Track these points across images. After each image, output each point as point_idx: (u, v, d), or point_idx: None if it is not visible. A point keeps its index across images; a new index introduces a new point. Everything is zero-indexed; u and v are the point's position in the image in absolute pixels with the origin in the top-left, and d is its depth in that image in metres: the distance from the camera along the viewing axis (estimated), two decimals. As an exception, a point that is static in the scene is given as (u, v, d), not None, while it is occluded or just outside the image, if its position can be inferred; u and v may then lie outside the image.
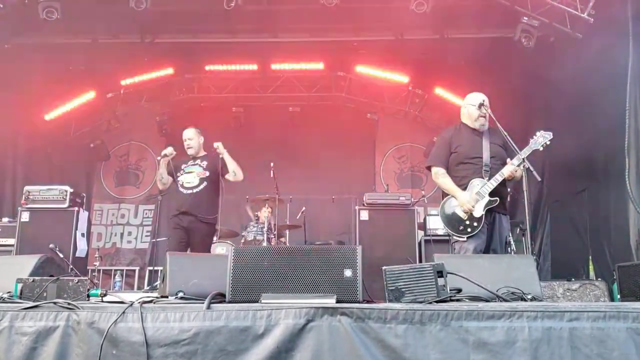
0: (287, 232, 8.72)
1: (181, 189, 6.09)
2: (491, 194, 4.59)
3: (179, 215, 6.01)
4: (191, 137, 6.28)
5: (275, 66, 10.50)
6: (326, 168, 10.97)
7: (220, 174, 6.14)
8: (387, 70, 10.47)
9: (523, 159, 4.52)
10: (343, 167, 11.11)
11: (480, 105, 4.83)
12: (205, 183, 6.08)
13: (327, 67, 10.55)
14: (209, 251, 6.17)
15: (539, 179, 4.58)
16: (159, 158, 6.18)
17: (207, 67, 10.66)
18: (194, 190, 6.04)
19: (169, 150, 6.18)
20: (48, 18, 7.48)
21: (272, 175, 7.50)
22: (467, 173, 4.75)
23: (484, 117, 4.84)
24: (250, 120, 11.33)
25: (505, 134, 4.68)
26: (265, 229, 7.64)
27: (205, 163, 6.20)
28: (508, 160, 4.63)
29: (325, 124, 11.02)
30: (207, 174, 6.11)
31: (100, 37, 9.40)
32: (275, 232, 7.80)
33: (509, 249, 4.77)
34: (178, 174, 6.14)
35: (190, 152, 6.24)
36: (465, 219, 4.61)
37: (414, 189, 10.71)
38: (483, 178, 4.66)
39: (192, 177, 6.08)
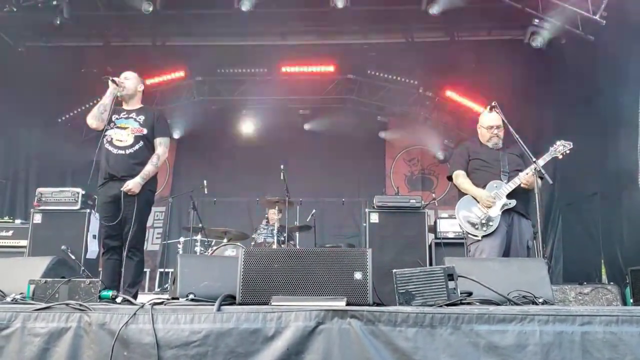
0: (297, 234, 8.73)
1: (109, 147, 4.88)
2: (509, 197, 4.64)
3: (107, 182, 4.85)
4: (129, 77, 5.10)
5: (285, 69, 10.53)
6: (336, 170, 10.99)
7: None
8: (397, 72, 10.47)
9: (535, 161, 4.54)
10: (353, 170, 11.13)
11: (490, 127, 4.91)
12: (141, 142, 4.90)
13: (337, 69, 10.57)
14: (145, 224, 5.00)
15: (551, 181, 4.58)
16: (110, 85, 4.90)
17: (218, 70, 10.72)
18: (127, 151, 4.85)
19: (121, 79, 5.01)
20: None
21: (282, 177, 7.50)
22: (485, 177, 4.81)
23: (497, 136, 4.91)
24: (260, 122, 11.37)
25: (522, 143, 4.68)
26: (275, 231, 7.65)
27: (142, 118, 4.98)
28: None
29: (336, 127, 11.02)
30: (145, 131, 4.92)
31: (111, 40, 9.49)
32: (286, 235, 7.80)
33: (529, 252, 4.75)
34: (107, 126, 4.93)
35: (122, 93, 5.02)
36: (482, 217, 4.64)
37: (425, 191, 10.69)
38: (501, 181, 4.73)
39: (125, 134, 4.88)
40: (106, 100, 4.93)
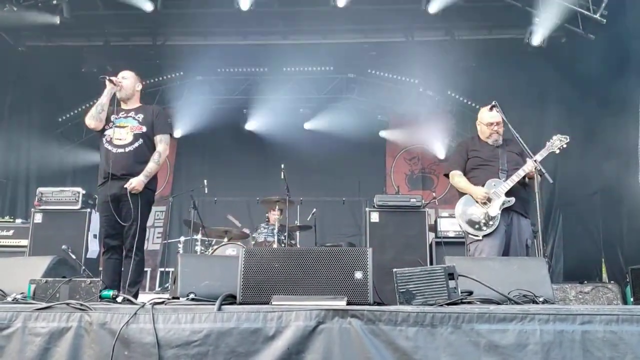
0: (298, 233, 8.72)
1: (108, 146, 4.84)
2: (508, 195, 4.61)
3: (106, 182, 4.78)
4: (126, 77, 5.05)
5: (286, 68, 10.53)
6: (336, 170, 10.98)
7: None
8: (397, 71, 10.47)
9: (535, 160, 4.53)
10: (353, 169, 11.11)
11: (490, 124, 4.89)
12: (140, 140, 4.86)
13: (337, 68, 10.57)
14: (145, 224, 4.94)
15: (551, 180, 4.57)
16: (108, 84, 4.88)
17: (218, 69, 10.73)
18: (126, 149, 4.82)
19: (119, 79, 4.99)
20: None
21: (282, 176, 7.50)
22: (484, 175, 4.79)
23: (497, 132, 4.89)
24: (261, 121, 11.36)
25: (522, 141, 4.67)
26: (275, 231, 7.65)
27: (141, 116, 4.95)
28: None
29: (336, 126, 11.03)
30: (144, 129, 4.90)
31: (112, 39, 9.49)
32: (286, 234, 7.80)
33: (529, 251, 4.74)
34: (106, 127, 4.93)
35: (120, 93, 4.98)
36: (481, 217, 4.63)
37: (425, 190, 10.68)
38: (500, 179, 4.70)
39: (124, 133, 4.85)
40: (104, 99, 4.91)
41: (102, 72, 8.56)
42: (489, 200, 4.63)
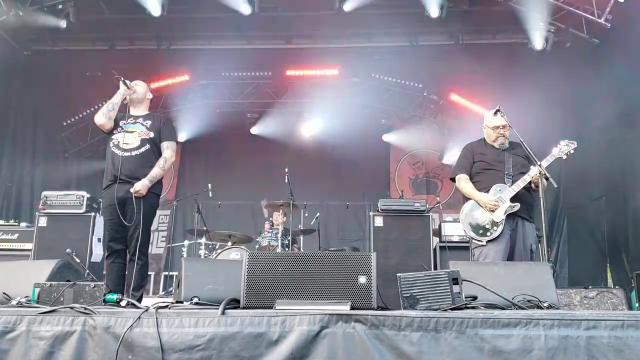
0: (302, 237, 8.73)
1: (116, 150, 4.89)
2: (513, 200, 4.60)
3: (112, 185, 4.83)
4: (139, 84, 5.17)
5: (290, 72, 10.55)
6: (340, 174, 10.99)
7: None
8: (401, 76, 10.47)
9: (539, 164, 4.51)
10: (357, 173, 11.11)
11: (496, 127, 4.87)
12: (147, 145, 4.91)
13: (341, 73, 10.58)
14: (149, 227, 5.01)
15: (556, 185, 4.55)
16: (121, 86, 4.97)
17: (223, 74, 10.75)
18: (133, 153, 4.86)
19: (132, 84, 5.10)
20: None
21: (286, 180, 7.50)
22: (489, 180, 4.77)
23: (503, 136, 4.87)
24: (265, 125, 11.38)
25: (527, 146, 4.65)
26: (279, 235, 7.65)
27: (148, 122, 5.02)
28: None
29: (340, 130, 11.03)
30: (151, 134, 4.96)
31: (117, 44, 9.52)
32: (290, 238, 7.79)
33: (533, 255, 4.72)
34: (114, 131, 4.99)
35: (132, 95, 5.06)
36: (486, 222, 4.62)
37: (429, 195, 10.69)
38: (505, 184, 4.69)
39: (132, 137, 4.90)
40: (116, 99, 4.98)
41: (107, 76, 8.61)
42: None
